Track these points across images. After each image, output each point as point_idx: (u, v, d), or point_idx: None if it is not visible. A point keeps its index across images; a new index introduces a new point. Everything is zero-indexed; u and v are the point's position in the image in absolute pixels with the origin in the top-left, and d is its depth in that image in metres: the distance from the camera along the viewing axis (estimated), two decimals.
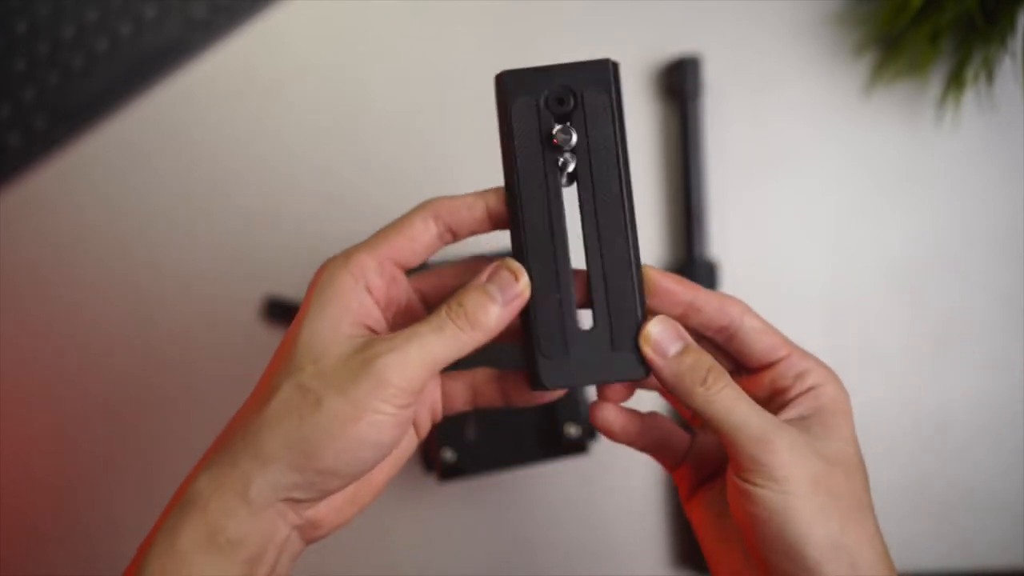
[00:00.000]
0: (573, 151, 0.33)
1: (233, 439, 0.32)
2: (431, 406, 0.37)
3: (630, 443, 0.38)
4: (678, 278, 0.35)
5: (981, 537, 0.56)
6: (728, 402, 0.32)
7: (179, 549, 0.30)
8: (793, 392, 0.34)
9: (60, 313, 0.55)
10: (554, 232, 0.32)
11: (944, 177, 0.57)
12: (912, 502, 0.56)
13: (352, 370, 0.31)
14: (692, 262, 0.54)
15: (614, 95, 0.33)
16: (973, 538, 0.56)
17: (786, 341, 0.35)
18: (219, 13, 0.56)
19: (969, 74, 0.54)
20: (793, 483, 0.31)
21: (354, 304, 0.33)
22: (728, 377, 0.32)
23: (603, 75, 0.33)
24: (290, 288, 0.56)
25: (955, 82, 0.55)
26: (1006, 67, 0.55)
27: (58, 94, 0.56)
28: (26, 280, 0.56)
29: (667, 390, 0.33)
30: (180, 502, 0.31)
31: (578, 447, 0.44)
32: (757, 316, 0.35)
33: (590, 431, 0.45)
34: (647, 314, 0.33)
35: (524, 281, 0.33)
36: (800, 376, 0.34)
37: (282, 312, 0.55)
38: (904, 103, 0.57)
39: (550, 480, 0.55)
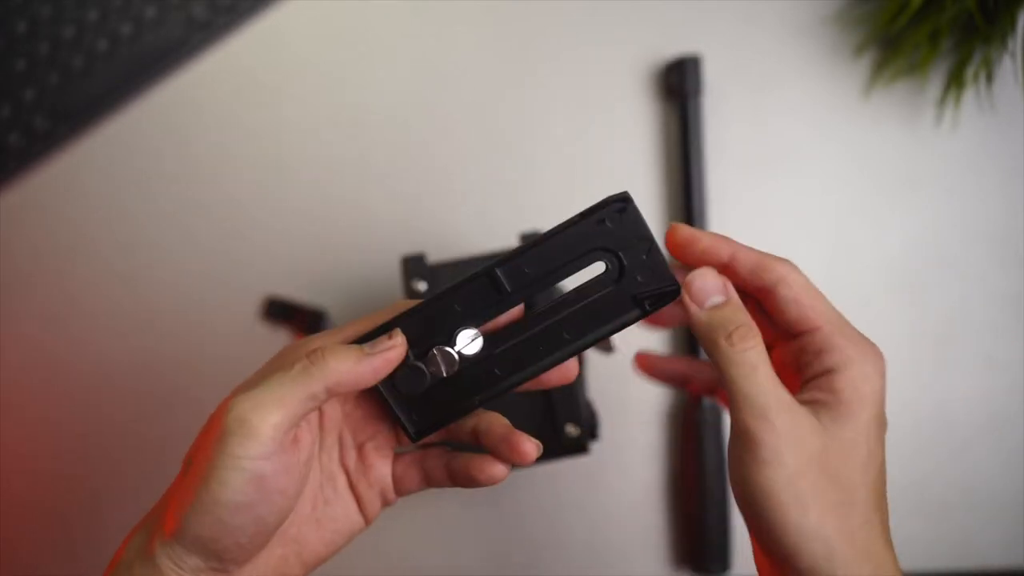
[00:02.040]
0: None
1: (160, 504, 0.33)
2: (380, 489, 0.35)
3: (666, 379, 0.40)
4: (715, 235, 0.33)
5: (981, 537, 0.56)
6: (745, 367, 0.31)
7: None
8: (810, 372, 0.32)
9: (60, 313, 0.55)
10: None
11: (944, 177, 0.57)
12: (912, 502, 0.56)
13: (214, 430, 0.30)
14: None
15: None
16: (973, 538, 0.56)
17: (821, 313, 0.32)
18: (219, 13, 0.56)
19: (969, 74, 0.54)
20: (776, 468, 0.30)
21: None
22: (757, 340, 0.31)
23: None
24: (290, 288, 0.56)
25: (955, 82, 0.55)
26: (1006, 67, 0.55)
27: (58, 94, 0.56)
28: (26, 280, 0.56)
29: (698, 340, 0.32)
30: (116, 564, 0.32)
31: (578, 447, 0.44)
32: (795, 282, 0.32)
33: (590, 431, 0.45)
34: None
35: (399, 339, 0.32)
36: (820, 355, 0.32)
37: (282, 312, 0.55)
38: (904, 103, 0.57)
39: (550, 480, 0.55)
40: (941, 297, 0.56)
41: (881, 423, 0.32)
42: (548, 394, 0.44)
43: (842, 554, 0.30)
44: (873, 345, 0.33)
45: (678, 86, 0.55)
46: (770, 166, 0.57)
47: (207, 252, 0.56)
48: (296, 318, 0.55)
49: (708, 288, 0.32)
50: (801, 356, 0.33)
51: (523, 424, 0.43)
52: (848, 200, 0.57)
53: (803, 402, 0.32)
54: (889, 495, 0.56)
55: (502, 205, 0.56)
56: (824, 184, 0.57)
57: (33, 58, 0.55)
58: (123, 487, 0.55)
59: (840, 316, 0.33)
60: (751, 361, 0.31)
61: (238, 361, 0.55)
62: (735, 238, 0.55)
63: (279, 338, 0.55)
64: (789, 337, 0.33)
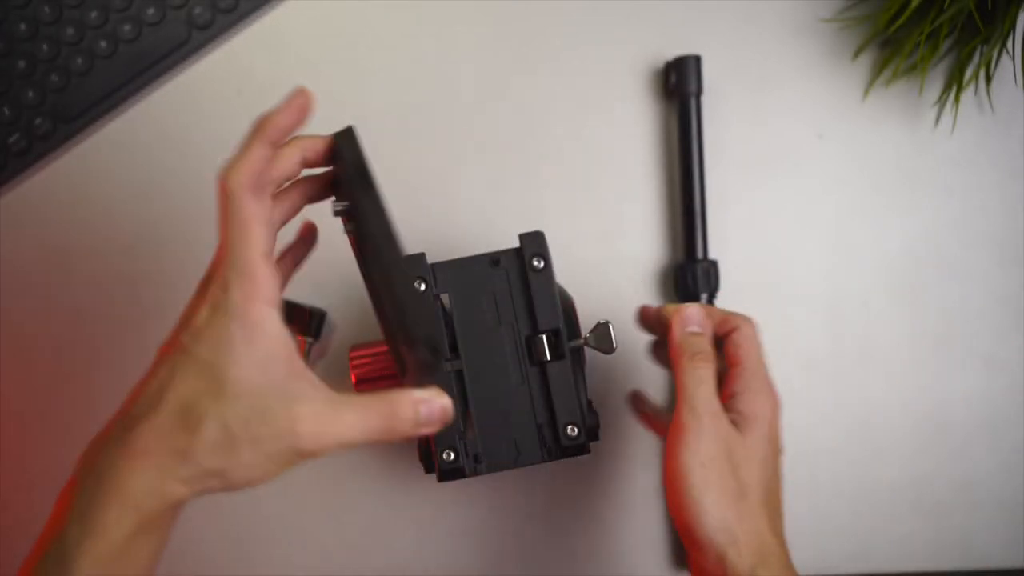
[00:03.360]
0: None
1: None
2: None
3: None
4: (697, 307, 0.44)
5: (980, 537, 0.56)
6: (696, 379, 0.41)
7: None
8: (730, 391, 0.42)
9: (61, 313, 0.55)
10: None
11: (943, 177, 0.57)
12: (911, 501, 0.56)
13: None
14: (692, 262, 0.54)
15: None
16: (972, 538, 0.56)
17: (750, 357, 0.42)
18: (219, 13, 0.56)
19: (968, 74, 0.54)
20: (693, 453, 0.39)
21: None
22: (710, 365, 0.41)
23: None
24: (290, 288, 0.56)
25: (954, 82, 0.55)
26: (1005, 67, 0.55)
27: (58, 94, 0.56)
28: (27, 280, 0.56)
29: (670, 352, 0.43)
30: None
31: (579, 448, 0.44)
32: (744, 332, 0.43)
33: (591, 432, 0.45)
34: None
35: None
36: (738, 383, 0.42)
37: (281, 311, 0.55)
38: (903, 103, 0.57)
39: (550, 480, 0.55)
40: (940, 297, 0.56)
41: (774, 445, 0.42)
42: (549, 395, 0.44)
43: (732, 527, 0.38)
44: (773, 389, 0.43)
45: (678, 86, 0.55)
46: (770, 166, 0.57)
47: (207, 252, 0.56)
48: (296, 318, 0.55)
49: (692, 319, 0.43)
50: (731, 383, 0.43)
51: (523, 424, 0.43)
52: (847, 200, 0.57)
53: (727, 414, 0.41)
54: (888, 494, 0.56)
55: (502, 205, 0.56)
56: (824, 184, 0.57)
57: (33, 58, 0.55)
58: None
59: (761, 363, 0.43)
60: (701, 377, 0.41)
61: None
62: (735, 238, 0.56)
63: None
64: (731, 367, 0.44)
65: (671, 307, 0.44)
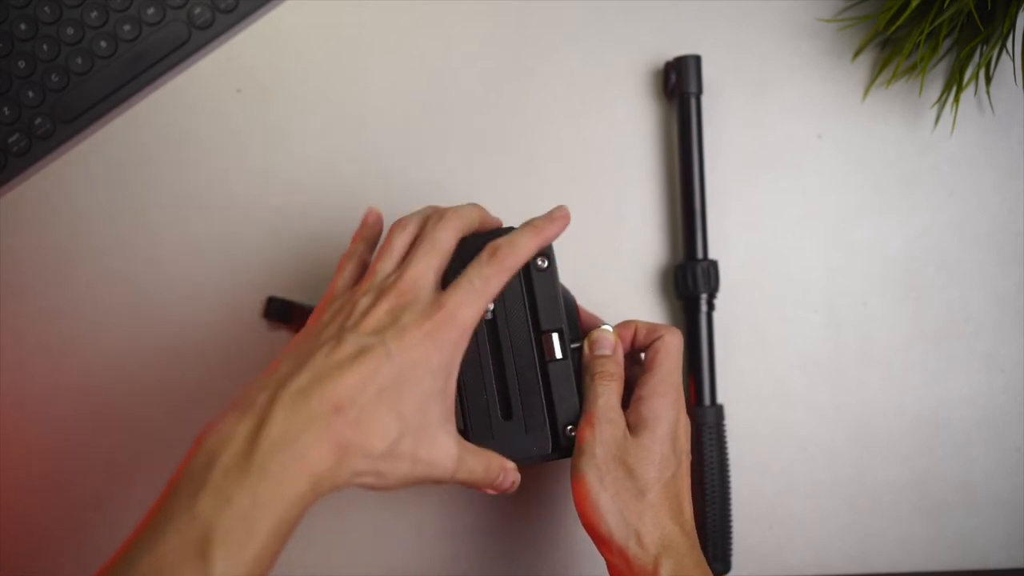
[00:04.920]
0: (492, 309, 0.44)
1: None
2: None
3: None
4: (622, 323, 0.48)
5: (980, 537, 0.56)
6: (597, 393, 0.44)
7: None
8: (636, 395, 0.45)
9: (61, 313, 0.55)
10: (480, 356, 0.44)
11: (943, 177, 0.57)
12: (910, 501, 0.56)
13: None
14: (692, 262, 0.54)
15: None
16: (972, 538, 0.56)
17: (663, 364, 0.45)
18: (219, 13, 0.56)
19: (968, 74, 0.54)
20: (589, 457, 0.42)
21: None
22: (614, 382, 0.44)
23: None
24: (290, 288, 0.56)
25: (954, 82, 0.55)
26: (1005, 67, 0.55)
27: (58, 94, 0.56)
28: (27, 280, 0.56)
29: (583, 371, 0.46)
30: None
31: None
32: (667, 341, 0.46)
33: None
34: (554, 404, 0.44)
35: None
36: (644, 387, 0.45)
37: (282, 312, 0.55)
38: (903, 103, 0.57)
39: (550, 480, 0.55)
40: (940, 297, 0.56)
41: (676, 444, 0.44)
42: (550, 395, 0.44)
43: (631, 523, 0.42)
44: (678, 394, 0.45)
45: (678, 86, 0.55)
46: (770, 166, 0.57)
47: (207, 251, 0.56)
48: (296, 318, 0.55)
49: (601, 343, 0.46)
50: (639, 387, 0.46)
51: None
52: (847, 200, 0.57)
53: (627, 420, 0.44)
54: (888, 494, 0.56)
55: (502, 205, 0.56)
56: (823, 184, 0.57)
57: (33, 58, 0.55)
58: (125, 486, 0.55)
59: (672, 371, 0.45)
60: (601, 393, 0.44)
61: (238, 360, 0.55)
62: (735, 238, 0.56)
63: (279, 337, 0.55)
64: (644, 372, 0.46)
65: (593, 332, 0.46)
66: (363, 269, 0.44)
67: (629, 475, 0.42)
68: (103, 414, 0.55)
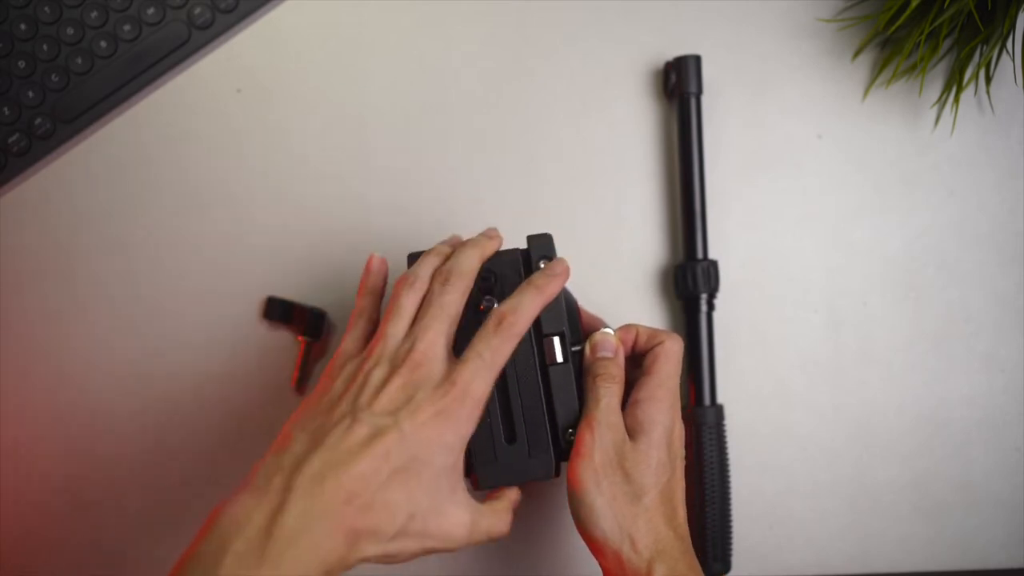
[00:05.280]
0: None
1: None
2: None
3: None
4: (623, 327, 0.48)
5: (980, 537, 0.56)
6: (598, 396, 0.44)
7: None
8: (633, 399, 0.45)
9: (61, 313, 0.55)
10: None
11: (943, 177, 0.57)
12: (910, 501, 0.56)
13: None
14: (692, 262, 0.54)
15: (523, 272, 0.45)
16: (972, 538, 0.56)
17: (662, 368, 0.45)
18: (219, 13, 0.56)
19: (968, 74, 0.54)
20: (587, 460, 0.42)
21: None
22: (614, 385, 0.44)
23: (515, 261, 0.45)
24: (290, 288, 0.56)
25: (954, 82, 0.55)
26: (1005, 67, 0.55)
27: (58, 94, 0.56)
28: (27, 280, 0.56)
29: (584, 373, 0.46)
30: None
31: None
32: (667, 347, 0.46)
33: None
34: (555, 408, 0.44)
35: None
36: (641, 391, 0.45)
37: (281, 312, 0.55)
38: (903, 103, 0.57)
39: (551, 481, 0.55)
40: (940, 297, 0.56)
41: (672, 449, 0.44)
42: (551, 400, 0.44)
43: (626, 527, 0.42)
44: (675, 399, 0.45)
45: (678, 86, 0.55)
46: (770, 166, 0.57)
47: (207, 252, 0.56)
48: (296, 318, 0.55)
49: (603, 345, 0.46)
50: (637, 390, 0.46)
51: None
52: (847, 200, 0.57)
53: (626, 425, 0.44)
54: (887, 494, 0.56)
55: (502, 205, 0.56)
56: (823, 184, 0.57)
57: (33, 58, 0.55)
58: (125, 486, 0.55)
59: (671, 376, 0.46)
60: (603, 395, 0.44)
61: (238, 360, 0.55)
62: (735, 238, 0.56)
63: (279, 338, 0.55)
64: (643, 376, 0.47)
65: (595, 334, 0.47)
66: (372, 326, 0.44)
67: (626, 479, 0.42)
68: (103, 414, 0.55)
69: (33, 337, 0.55)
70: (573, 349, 0.45)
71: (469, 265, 0.43)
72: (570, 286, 0.47)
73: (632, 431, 0.44)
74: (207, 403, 0.55)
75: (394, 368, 0.39)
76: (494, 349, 0.40)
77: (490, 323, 0.41)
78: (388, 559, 0.37)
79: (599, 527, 0.42)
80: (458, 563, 0.55)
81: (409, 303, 0.42)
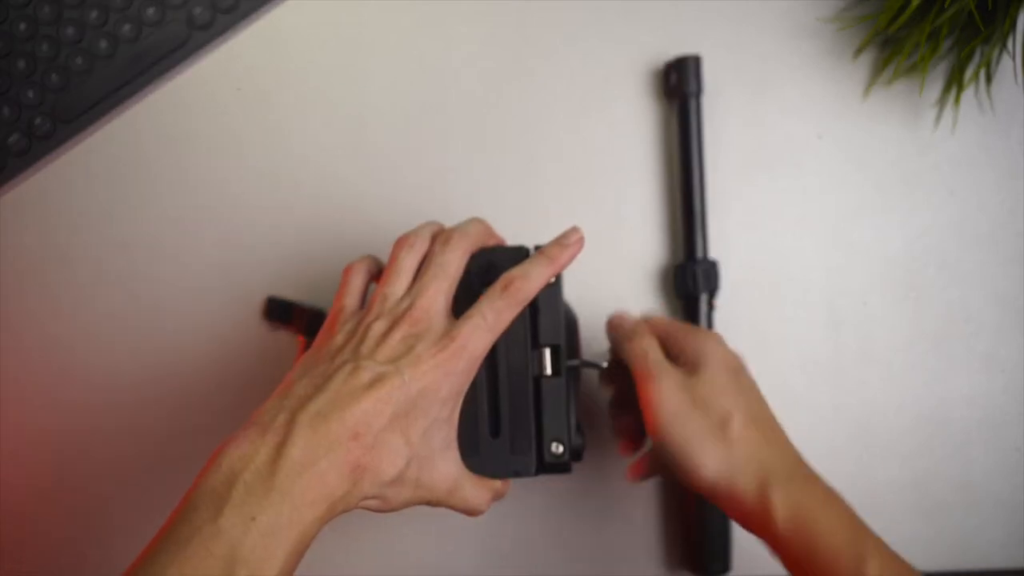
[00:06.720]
0: None
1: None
2: None
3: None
4: (627, 312, 0.50)
5: (980, 536, 0.56)
6: (640, 352, 0.45)
7: None
8: (675, 351, 0.46)
9: (61, 313, 0.55)
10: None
11: (943, 177, 0.57)
12: (910, 501, 0.56)
13: None
14: (692, 262, 0.54)
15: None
16: (972, 538, 0.56)
17: (673, 331, 0.47)
18: (219, 13, 0.56)
19: (968, 74, 0.54)
20: (665, 408, 0.42)
21: None
22: (652, 339, 0.46)
23: (520, 257, 0.44)
24: (290, 288, 0.56)
25: (954, 82, 0.55)
26: (1005, 67, 0.55)
27: (58, 94, 0.56)
28: (26, 280, 0.56)
29: (616, 345, 0.48)
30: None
31: (561, 467, 0.43)
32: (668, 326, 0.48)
33: (576, 453, 0.44)
34: (543, 420, 0.43)
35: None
36: (680, 344, 0.46)
37: (281, 312, 0.55)
38: (903, 103, 0.57)
39: (548, 480, 0.55)
40: (940, 297, 0.56)
41: (731, 366, 0.45)
42: (540, 411, 0.43)
43: (726, 459, 0.41)
44: (705, 330, 0.49)
45: (678, 86, 0.55)
46: (770, 166, 0.57)
47: (207, 252, 0.56)
48: (296, 318, 0.55)
49: (623, 319, 0.49)
50: (669, 352, 0.46)
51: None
52: (847, 200, 0.57)
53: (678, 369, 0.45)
54: (888, 494, 0.56)
55: (502, 205, 0.56)
56: (823, 184, 0.57)
57: (33, 58, 0.55)
58: (125, 487, 0.55)
59: (687, 326, 0.48)
60: (644, 347, 0.45)
61: (238, 360, 0.55)
62: (735, 238, 0.56)
63: (279, 338, 0.55)
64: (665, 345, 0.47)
65: (612, 316, 0.49)
66: (368, 283, 0.44)
67: (705, 412, 0.42)
68: (103, 414, 0.55)
69: (33, 337, 0.55)
70: (569, 363, 0.43)
71: (475, 229, 0.43)
72: (570, 285, 0.47)
73: (690, 370, 0.44)
74: (206, 403, 0.55)
75: (394, 322, 0.39)
76: (497, 312, 0.40)
77: (497, 286, 0.40)
78: (384, 503, 0.38)
79: (702, 469, 0.41)
80: (458, 563, 0.55)
81: (408, 263, 0.42)
